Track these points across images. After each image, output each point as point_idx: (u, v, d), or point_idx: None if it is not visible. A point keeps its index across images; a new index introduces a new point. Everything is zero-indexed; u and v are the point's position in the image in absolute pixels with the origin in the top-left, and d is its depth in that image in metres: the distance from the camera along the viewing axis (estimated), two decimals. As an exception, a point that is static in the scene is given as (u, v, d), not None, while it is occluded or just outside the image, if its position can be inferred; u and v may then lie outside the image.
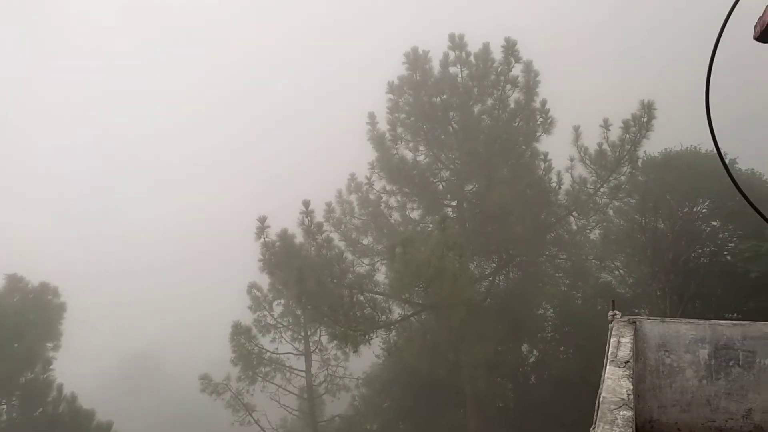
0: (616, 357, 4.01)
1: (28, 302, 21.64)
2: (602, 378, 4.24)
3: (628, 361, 3.87)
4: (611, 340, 4.59)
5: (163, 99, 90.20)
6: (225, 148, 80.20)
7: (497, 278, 22.98)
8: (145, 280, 56.53)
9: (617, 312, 5.66)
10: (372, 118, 21.82)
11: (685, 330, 5.32)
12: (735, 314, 23.17)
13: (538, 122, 20.68)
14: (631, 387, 3.30)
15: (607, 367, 3.82)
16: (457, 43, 20.91)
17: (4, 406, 17.73)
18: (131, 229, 68.50)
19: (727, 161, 23.50)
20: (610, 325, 5.38)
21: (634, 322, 5.41)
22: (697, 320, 5.39)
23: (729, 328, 5.29)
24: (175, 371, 41.01)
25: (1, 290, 21.45)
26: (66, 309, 22.56)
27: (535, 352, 24.60)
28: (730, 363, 5.23)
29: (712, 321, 5.40)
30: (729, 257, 22.93)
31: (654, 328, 5.39)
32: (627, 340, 4.52)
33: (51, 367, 18.89)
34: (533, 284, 22.18)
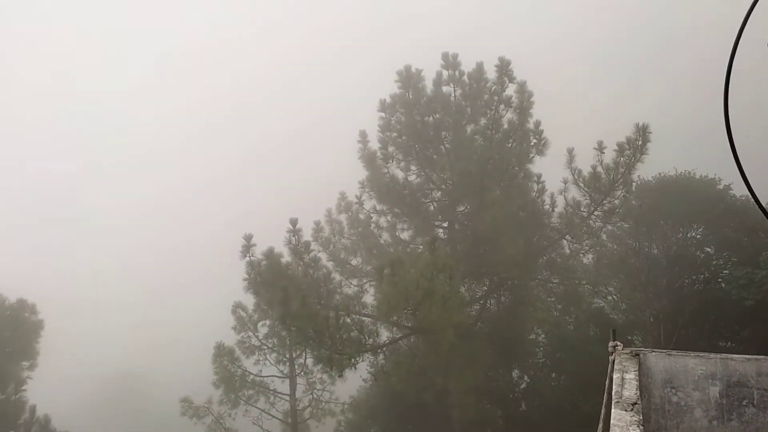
0: (621, 397, 3.54)
1: (4, 319, 20.92)
2: (603, 418, 3.76)
3: (635, 403, 3.40)
4: (614, 376, 4.12)
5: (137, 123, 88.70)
6: (216, 167, 79.62)
7: (488, 302, 22.47)
8: (127, 302, 55.35)
9: (618, 343, 5.18)
10: (363, 137, 21.48)
11: (693, 364, 4.85)
12: (729, 342, 22.81)
13: (532, 143, 20.34)
14: (644, 437, 2.84)
15: (612, 409, 3.36)
16: (450, 62, 20.67)
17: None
18: (107, 250, 67.26)
19: (721, 187, 23.32)
20: (611, 357, 4.91)
21: (638, 354, 4.94)
22: (707, 354, 4.91)
23: (742, 364, 4.83)
24: (157, 394, 39.97)
25: (-24, 306, 20.76)
26: (43, 327, 21.84)
27: (526, 378, 24.05)
28: (744, 402, 4.76)
29: (724, 355, 4.93)
30: (723, 284, 22.60)
31: (659, 361, 4.92)
32: (632, 377, 4.05)
33: (23, 387, 18.09)
34: (525, 308, 21.67)
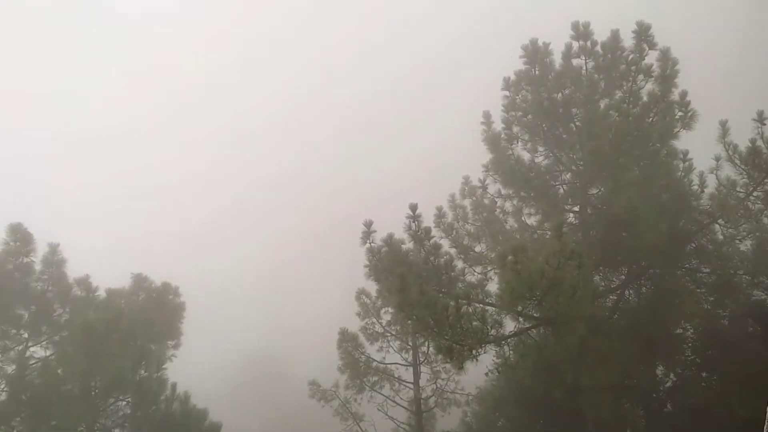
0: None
1: (152, 301, 22.63)
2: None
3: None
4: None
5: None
6: (330, 151, 79.51)
7: (627, 292, 20.62)
8: (252, 284, 57.74)
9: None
10: (487, 118, 20.65)
11: None
12: None
13: (677, 116, 18.22)
14: None
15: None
16: (581, 31, 19.02)
17: (123, 402, 18.42)
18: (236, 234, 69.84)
19: None
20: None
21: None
22: None
23: None
24: (289, 376, 41.74)
25: (127, 289, 22.61)
26: (185, 308, 23.38)
27: (672, 376, 21.86)
28: None
29: None
30: None
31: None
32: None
33: (164, 366, 19.44)
34: (670, 300, 19.61)
